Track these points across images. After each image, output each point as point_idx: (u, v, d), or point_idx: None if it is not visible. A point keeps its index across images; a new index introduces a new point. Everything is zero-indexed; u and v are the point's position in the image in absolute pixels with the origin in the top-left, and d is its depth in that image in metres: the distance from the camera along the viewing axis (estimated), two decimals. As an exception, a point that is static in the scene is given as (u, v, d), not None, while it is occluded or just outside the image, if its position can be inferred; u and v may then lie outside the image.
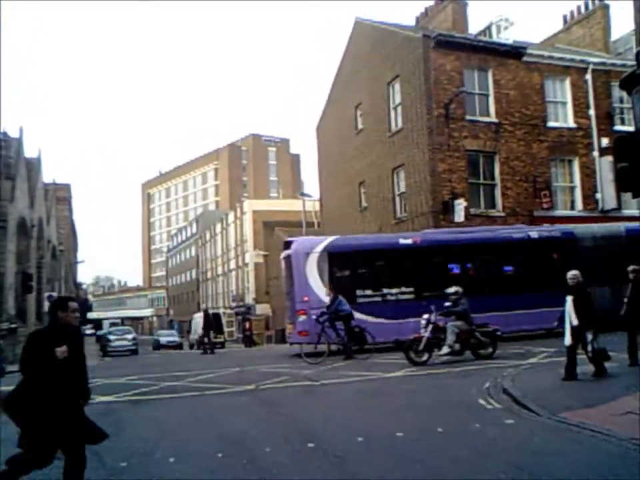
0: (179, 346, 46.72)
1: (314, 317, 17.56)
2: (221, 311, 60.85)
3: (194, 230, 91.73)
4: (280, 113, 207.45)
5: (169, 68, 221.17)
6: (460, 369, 12.29)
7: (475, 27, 30.72)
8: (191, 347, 43.01)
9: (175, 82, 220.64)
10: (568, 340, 9.77)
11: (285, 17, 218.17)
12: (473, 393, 9.47)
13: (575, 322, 9.72)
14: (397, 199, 27.93)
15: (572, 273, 10.14)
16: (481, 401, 8.81)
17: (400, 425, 7.47)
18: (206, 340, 28.20)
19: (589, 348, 9.73)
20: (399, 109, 27.46)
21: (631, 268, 11.11)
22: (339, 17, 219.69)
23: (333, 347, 17.12)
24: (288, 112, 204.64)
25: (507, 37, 27.46)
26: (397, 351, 15.91)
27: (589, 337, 9.70)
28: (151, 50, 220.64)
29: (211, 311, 59.32)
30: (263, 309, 57.10)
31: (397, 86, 27.64)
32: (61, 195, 57.70)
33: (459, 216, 23.83)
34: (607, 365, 9.99)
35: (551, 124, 26.41)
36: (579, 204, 26.54)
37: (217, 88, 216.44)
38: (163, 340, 48.28)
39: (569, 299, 9.88)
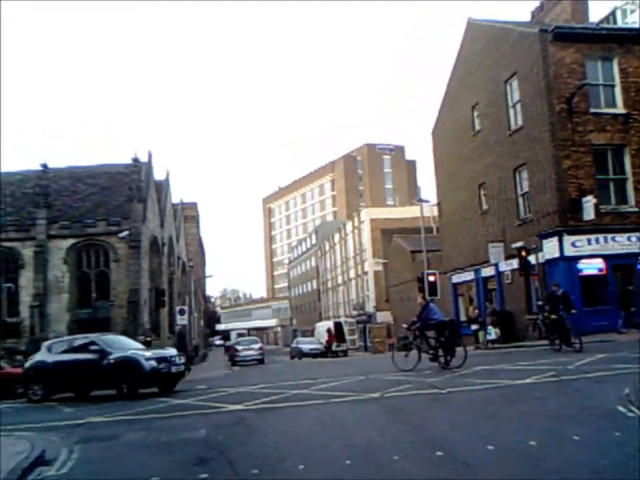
0: (321, 354, 43.97)
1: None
2: (342, 319, 61.37)
3: (313, 241, 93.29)
4: (394, 120, 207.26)
5: (286, 86, 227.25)
6: (594, 374, 11.59)
7: (596, 14, 29.16)
8: (314, 356, 43.51)
9: (292, 100, 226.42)
10: None
11: (397, 22, 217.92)
12: (611, 399, 8.86)
13: None
14: (520, 200, 26.99)
15: None
16: (621, 408, 8.21)
17: (532, 433, 7.12)
18: None
19: None
20: (518, 107, 26.57)
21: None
22: (452, 19, 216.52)
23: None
24: (402, 118, 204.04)
25: (634, 20, 25.79)
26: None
27: None
28: (269, 69, 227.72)
29: (333, 320, 60.33)
30: (383, 316, 56.96)
31: (515, 83, 26.77)
32: (188, 214, 60.74)
33: (588, 214, 22.64)
34: None
35: (687, 110, 24.50)
36: None
37: (332, 99, 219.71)
38: (305, 348, 45.60)
39: None
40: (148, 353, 16.07)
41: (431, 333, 16.66)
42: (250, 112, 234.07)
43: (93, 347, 16.12)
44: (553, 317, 16.39)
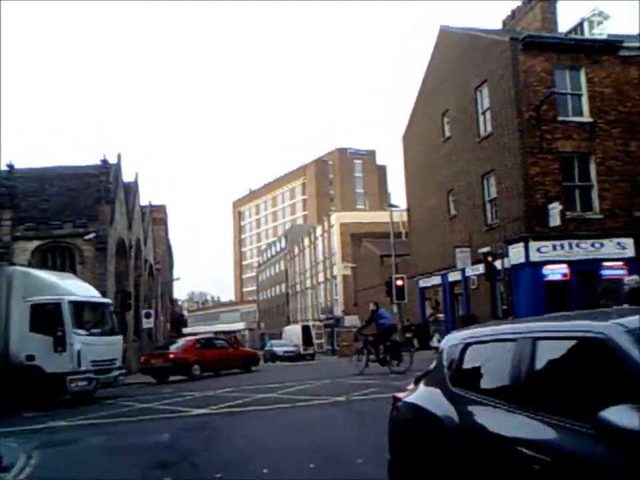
0: (297, 357, 42.98)
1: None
2: (311, 323, 61.30)
3: (283, 245, 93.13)
4: (366, 124, 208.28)
5: (256, 89, 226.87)
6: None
7: (566, 24, 29.57)
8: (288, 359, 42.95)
9: (262, 102, 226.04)
10: None
11: (370, 28, 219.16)
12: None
13: None
14: (488, 206, 27.22)
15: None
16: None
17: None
18: None
19: None
20: (488, 114, 26.81)
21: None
22: (424, 27, 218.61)
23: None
24: (374, 123, 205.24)
25: (601, 32, 26.23)
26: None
27: None
28: (239, 70, 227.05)
29: (301, 324, 60.24)
30: (351, 320, 57.00)
31: (485, 90, 27.02)
32: (157, 216, 59.85)
33: (554, 220, 22.94)
34: None
35: (651, 120, 24.98)
36: (685, 204, 24.94)
37: (303, 103, 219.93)
38: (279, 350, 44.55)
39: None
40: None
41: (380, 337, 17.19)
42: (221, 114, 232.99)
43: None
44: None
